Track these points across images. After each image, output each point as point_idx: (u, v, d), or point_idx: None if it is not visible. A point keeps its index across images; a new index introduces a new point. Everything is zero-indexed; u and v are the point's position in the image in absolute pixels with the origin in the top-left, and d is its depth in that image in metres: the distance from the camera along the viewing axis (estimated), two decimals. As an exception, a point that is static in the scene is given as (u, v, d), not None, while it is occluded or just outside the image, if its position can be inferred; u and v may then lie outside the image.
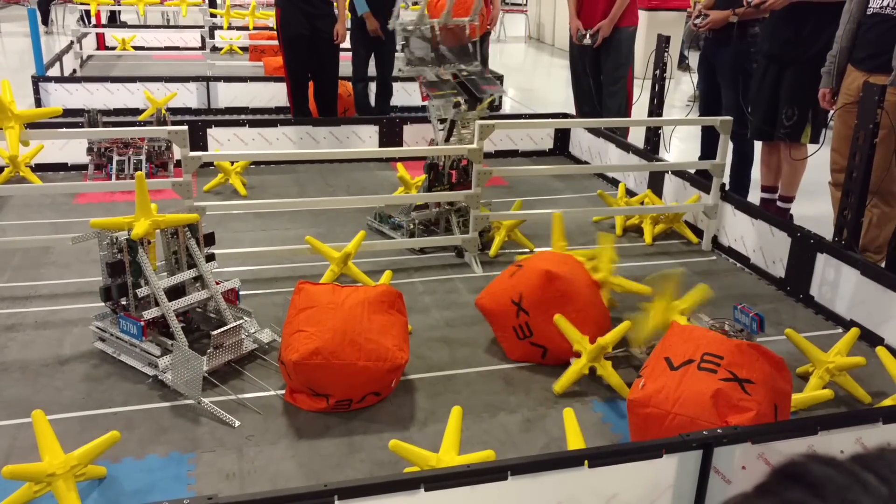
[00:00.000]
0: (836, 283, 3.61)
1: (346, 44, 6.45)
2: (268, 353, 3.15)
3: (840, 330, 3.56)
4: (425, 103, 4.89)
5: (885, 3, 3.86)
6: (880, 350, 3.02)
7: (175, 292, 3.09)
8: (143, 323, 2.92)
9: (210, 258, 3.21)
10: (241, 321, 3.12)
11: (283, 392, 2.88)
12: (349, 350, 2.69)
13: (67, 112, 5.01)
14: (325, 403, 2.75)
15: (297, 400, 2.80)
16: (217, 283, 3.18)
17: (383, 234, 4.43)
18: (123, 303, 3.05)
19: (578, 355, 2.97)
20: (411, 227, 4.30)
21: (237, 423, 2.70)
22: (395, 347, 2.77)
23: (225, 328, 3.01)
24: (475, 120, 4.13)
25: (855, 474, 0.59)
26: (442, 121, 4.34)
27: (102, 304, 3.05)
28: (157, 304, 3.00)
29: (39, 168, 5.27)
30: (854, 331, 3.08)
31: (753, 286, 4.02)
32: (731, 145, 4.66)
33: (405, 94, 7.71)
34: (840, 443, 2.32)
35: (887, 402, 2.89)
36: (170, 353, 2.92)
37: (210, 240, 3.25)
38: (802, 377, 3.08)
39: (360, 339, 2.72)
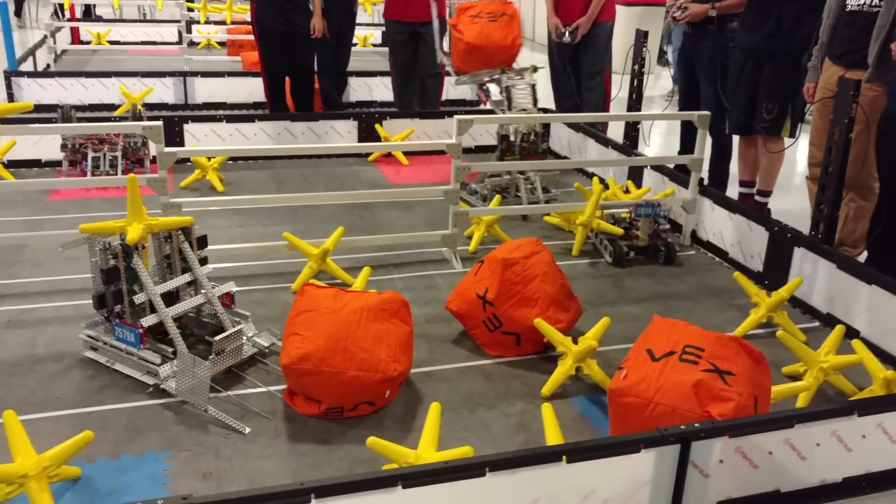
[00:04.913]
0: (813, 276, 3.63)
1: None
2: (267, 356, 3.09)
3: (817, 323, 3.59)
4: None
5: (863, 1, 3.88)
6: (856, 343, 3.04)
7: (169, 297, 2.99)
8: (141, 330, 2.84)
9: (203, 261, 3.12)
10: (240, 326, 3.03)
11: (269, 389, 2.87)
12: (339, 358, 2.64)
13: (41, 108, 4.96)
14: (316, 409, 2.71)
15: (294, 402, 2.77)
16: (213, 287, 3.09)
17: (464, 201, 4.71)
18: (117, 310, 2.95)
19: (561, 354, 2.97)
20: (485, 192, 4.86)
21: (247, 430, 2.64)
22: (389, 358, 2.71)
23: (226, 334, 2.93)
24: (526, 86, 5.05)
25: None
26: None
27: (95, 310, 2.95)
28: (153, 311, 2.90)
29: (12, 164, 5.19)
30: (839, 328, 3.10)
31: (732, 280, 4.03)
32: (710, 140, 4.68)
33: (366, 90, 7.70)
34: (817, 436, 2.34)
35: (863, 394, 2.91)
36: (170, 361, 2.84)
37: (203, 243, 3.16)
38: (790, 377, 3.08)
39: (353, 348, 2.66)
